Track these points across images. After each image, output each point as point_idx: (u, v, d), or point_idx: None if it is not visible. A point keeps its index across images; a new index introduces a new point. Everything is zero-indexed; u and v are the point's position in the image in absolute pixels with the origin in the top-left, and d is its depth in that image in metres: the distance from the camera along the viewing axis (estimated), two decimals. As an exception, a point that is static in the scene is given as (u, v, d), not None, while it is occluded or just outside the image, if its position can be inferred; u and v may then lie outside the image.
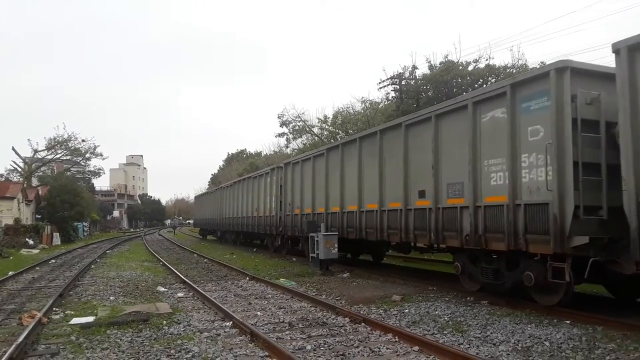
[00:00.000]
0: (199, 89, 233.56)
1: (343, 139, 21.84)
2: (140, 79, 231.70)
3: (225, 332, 7.63)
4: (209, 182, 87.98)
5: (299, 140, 42.74)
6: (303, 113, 40.55)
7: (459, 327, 7.64)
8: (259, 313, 9.12)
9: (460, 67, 26.53)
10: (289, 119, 40.38)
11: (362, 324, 7.89)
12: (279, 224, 21.15)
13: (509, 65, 26.37)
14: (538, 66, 23.50)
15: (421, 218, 11.16)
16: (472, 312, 8.74)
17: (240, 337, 7.23)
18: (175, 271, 15.82)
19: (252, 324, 7.78)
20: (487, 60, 26.69)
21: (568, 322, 7.74)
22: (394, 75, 28.15)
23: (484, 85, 24.38)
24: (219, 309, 9.29)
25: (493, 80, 25.32)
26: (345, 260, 17.52)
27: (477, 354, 6.14)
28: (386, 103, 33.08)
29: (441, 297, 10.32)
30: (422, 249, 13.82)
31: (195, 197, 53.08)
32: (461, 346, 6.57)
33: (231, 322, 8.12)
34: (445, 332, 7.42)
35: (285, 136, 42.44)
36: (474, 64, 26.79)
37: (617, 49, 7.30)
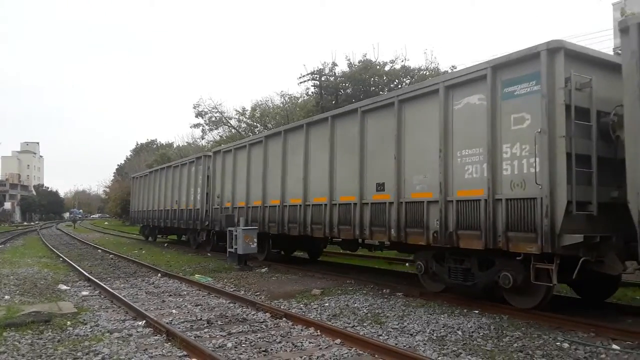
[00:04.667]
0: (105, 74, 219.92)
1: None
2: (38, 60, 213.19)
3: (138, 332, 7.16)
4: (114, 173, 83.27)
5: (216, 132, 41.71)
6: (220, 104, 39.74)
7: (377, 319, 7.83)
8: (174, 311, 8.70)
9: (378, 67, 27.32)
10: (205, 110, 39.27)
11: (284, 318, 7.82)
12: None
13: (422, 67, 27.63)
14: (449, 70, 24.83)
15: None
16: (389, 304, 9.00)
17: (155, 337, 6.83)
18: (78, 268, 14.67)
19: (167, 323, 7.41)
20: (402, 61, 27.74)
21: (477, 311, 8.23)
22: (314, 71, 28.28)
23: (400, 86, 25.29)
24: (129, 307, 8.72)
25: (408, 81, 26.37)
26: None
27: (396, 344, 6.32)
28: (305, 98, 33.24)
29: (359, 290, 10.53)
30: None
31: (133, 178, 34.69)
32: (380, 337, 6.72)
33: (144, 321, 7.65)
34: (365, 324, 7.56)
35: (201, 127, 41.23)
36: (391, 64, 27.71)
37: (625, 26, 6.37)
